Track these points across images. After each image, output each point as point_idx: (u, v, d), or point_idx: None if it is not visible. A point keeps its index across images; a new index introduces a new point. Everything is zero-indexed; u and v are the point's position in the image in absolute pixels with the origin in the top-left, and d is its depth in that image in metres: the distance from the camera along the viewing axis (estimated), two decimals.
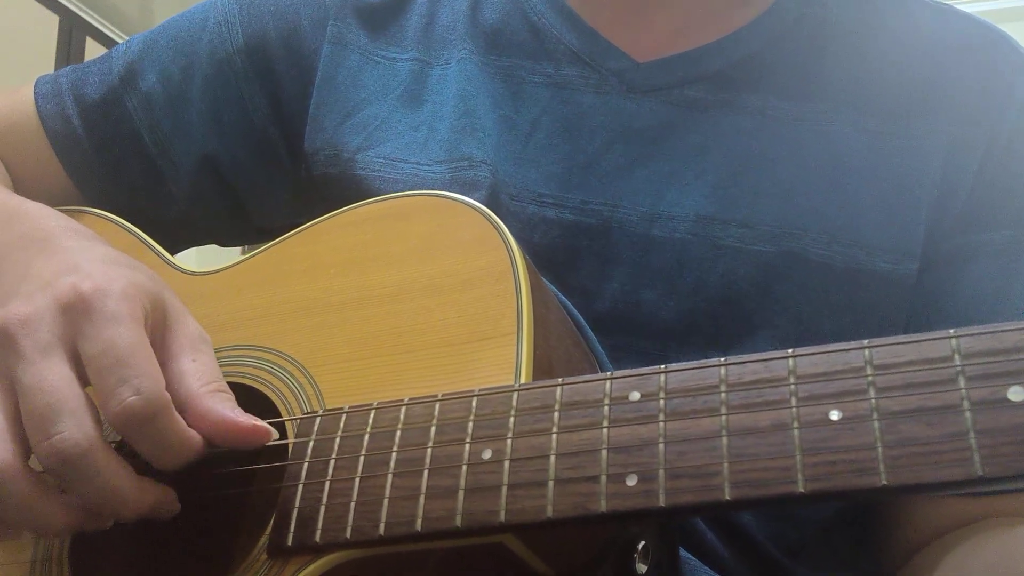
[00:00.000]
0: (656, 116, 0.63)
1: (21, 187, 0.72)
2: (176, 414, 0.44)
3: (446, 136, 0.64)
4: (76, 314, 0.45)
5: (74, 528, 0.45)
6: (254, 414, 0.50)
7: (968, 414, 0.33)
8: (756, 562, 0.57)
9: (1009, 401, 0.32)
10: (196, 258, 0.75)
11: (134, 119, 0.72)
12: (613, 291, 0.59)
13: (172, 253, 0.75)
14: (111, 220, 0.69)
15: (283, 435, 0.48)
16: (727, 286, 0.59)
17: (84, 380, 0.44)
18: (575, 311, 0.57)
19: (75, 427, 0.42)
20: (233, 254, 0.71)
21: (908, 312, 0.59)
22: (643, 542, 0.44)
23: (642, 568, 0.44)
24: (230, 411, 0.46)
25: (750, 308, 0.58)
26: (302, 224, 0.76)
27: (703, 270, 0.59)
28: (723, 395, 0.38)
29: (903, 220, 0.59)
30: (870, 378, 0.35)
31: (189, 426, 0.45)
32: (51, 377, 0.43)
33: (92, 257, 0.49)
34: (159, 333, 0.47)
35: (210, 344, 0.49)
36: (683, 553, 0.53)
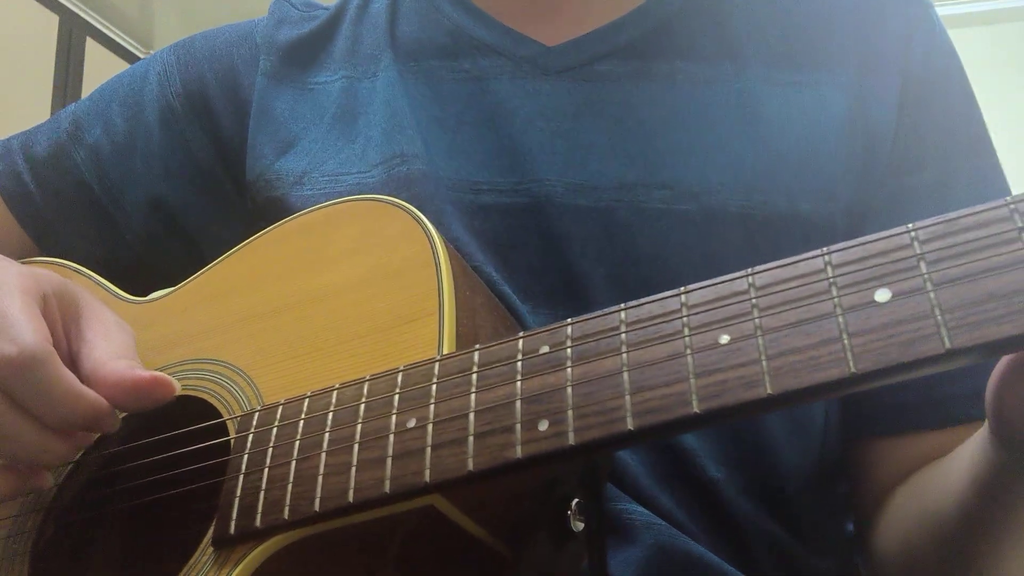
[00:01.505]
0: (571, 94, 0.65)
1: None
2: (62, 367, 0.46)
3: (379, 140, 0.67)
4: None
5: (13, 492, 0.47)
6: (200, 424, 0.52)
7: (840, 319, 0.35)
8: (719, 519, 0.58)
9: (876, 302, 0.34)
10: None
11: (83, 170, 0.75)
12: (554, 265, 0.61)
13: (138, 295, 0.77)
14: (64, 265, 0.71)
15: (225, 434, 0.50)
16: (655, 247, 0.60)
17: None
18: (512, 297, 0.59)
19: None
20: None
21: None
22: (576, 499, 0.45)
23: (578, 525, 0.45)
24: (133, 369, 0.48)
25: (679, 267, 0.60)
26: None
27: (630, 235, 0.61)
28: (623, 335, 0.39)
29: (820, 163, 0.62)
30: (753, 300, 0.37)
31: (98, 392, 0.47)
32: None
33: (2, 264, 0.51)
34: (71, 316, 0.50)
35: (130, 333, 0.51)
36: (639, 509, 0.54)
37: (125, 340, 0.49)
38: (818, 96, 0.63)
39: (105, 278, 0.70)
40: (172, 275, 0.80)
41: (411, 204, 0.62)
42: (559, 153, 0.64)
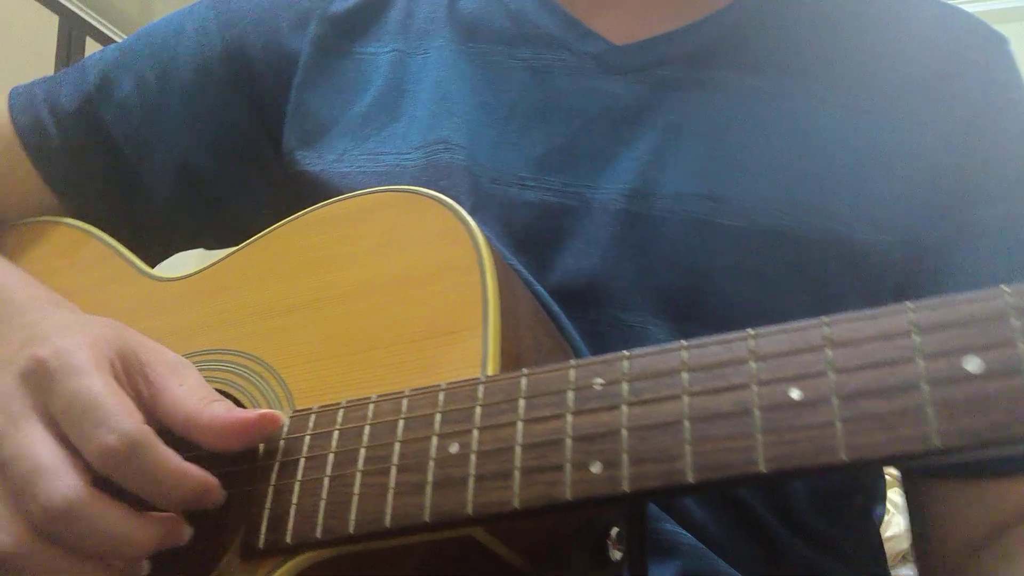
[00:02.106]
0: (632, 96, 0.63)
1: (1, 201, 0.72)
2: (162, 445, 0.43)
3: (424, 122, 0.64)
4: (39, 379, 0.44)
5: None
6: None
7: (925, 387, 0.33)
8: (751, 534, 0.57)
9: (964, 371, 0.32)
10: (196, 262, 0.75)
11: (110, 128, 0.72)
12: (594, 268, 0.59)
13: (157, 260, 0.75)
14: (85, 230, 0.69)
15: None
16: (704, 261, 0.59)
17: (63, 440, 0.44)
18: (548, 298, 0.57)
19: (58, 481, 0.42)
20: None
21: (914, 292, 0.59)
22: (616, 528, 0.44)
23: (616, 555, 0.44)
24: (235, 412, 0.45)
25: (726, 282, 0.58)
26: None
27: (679, 244, 0.59)
28: (685, 379, 0.37)
29: (877, 191, 0.60)
30: (829, 356, 0.35)
31: (197, 442, 0.45)
32: (26, 442, 0.43)
33: (51, 326, 0.48)
34: (137, 372, 0.47)
35: (191, 367, 0.48)
36: (671, 528, 0.53)
37: (196, 381, 0.47)
38: (881, 123, 0.61)
39: (127, 237, 0.68)
40: (195, 236, 0.78)
41: (446, 193, 0.60)
42: (613, 157, 0.61)
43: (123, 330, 0.49)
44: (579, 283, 0.59)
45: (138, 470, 0.43)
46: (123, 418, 0.42)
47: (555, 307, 0.58)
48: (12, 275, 0.58)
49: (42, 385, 0.44)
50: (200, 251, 0.79)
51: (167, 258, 0.78)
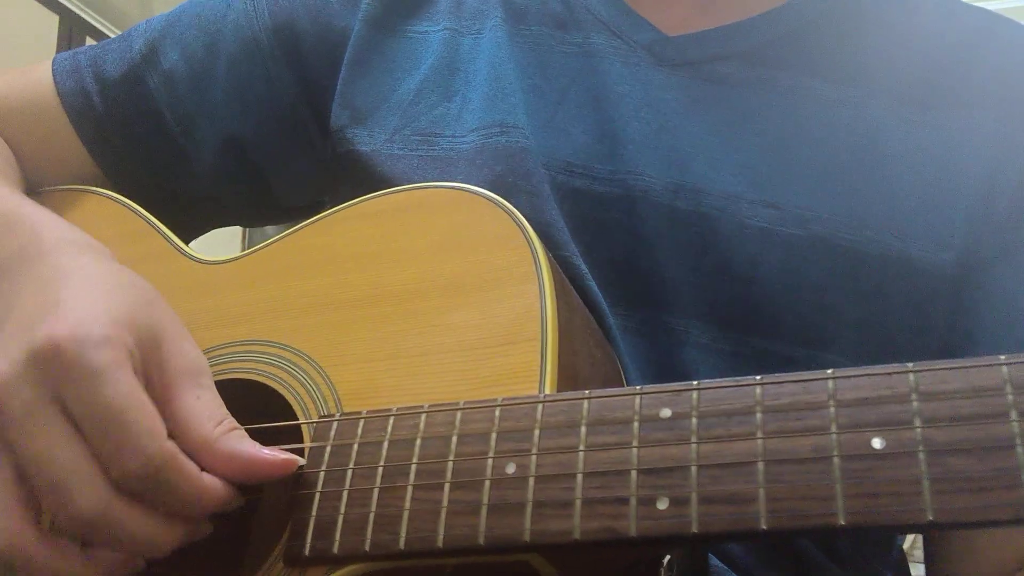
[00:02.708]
0: (685, 90, 0.61)
1: (35, 166, 0.70)
2: (186, 462, 0.42)
3: (479, 104, 0.63)
4: (54, 369, 0.42)
5: None
6: (267, 412, 0.49)
7: (1020, 449, 0.31)
8: (786, 563, 0.56)
9: None
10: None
11: (155, 97, 0.70)
12: (640, 265, 0.58)
13: (193, 236, 0.74)
14: (119, 201, 0.67)
15: (299, 436, 0.47)
16: (751, 266, 0.57)
17: (80, 431, 0.42)
18: (597, 292, 0.56)
19: (87, 492, 0.41)
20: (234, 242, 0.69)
21: (954, 309, 0.57)
22: (668, 557, 0.43)
23: None
24: (254, 449, 0.44)
25: (774, 291, 0.57)
26: (327, 203, 0.74)
27: (728, 249, 0.57)
28: (759, 417, 0.36)
29: (939, 209, 0.58)
30: (915, 406, 0.34)
31: (206, 466, 0.43)
32: (46, 443, 0.41)
33: (78, 284, 0.46)
34: (153, 363, 0.45)
35: (208, 373, 0.46)
36: (711, 562, 0.52)
37: (213, 396, 0.45)
38: (947, 139, 0.59)
39: (166, 207, 0.67)
40: (237, 213, 0.77)
41: (507, 179, 0.58)
42: (663, 149, 0.59)
43: (153, 305, 0.47)
44: (627, 278, 0.58)
45: (163, 489, 0.42)
46: (148, 439, 0.41)
47: (603, 303, 0.57)
48: (37, 210, 0.55)
49: (58, 378, 0.42)
50: (228, 235, 0.78)
51: (203, 233, 0.76)
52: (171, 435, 0.43)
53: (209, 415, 0.44)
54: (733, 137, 0.59)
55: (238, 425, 0.45)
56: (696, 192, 0.58)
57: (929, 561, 0.61)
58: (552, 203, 0.58)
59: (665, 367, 0.57)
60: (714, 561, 0.53)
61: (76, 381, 0.41)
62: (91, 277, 0.47)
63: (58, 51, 2.80)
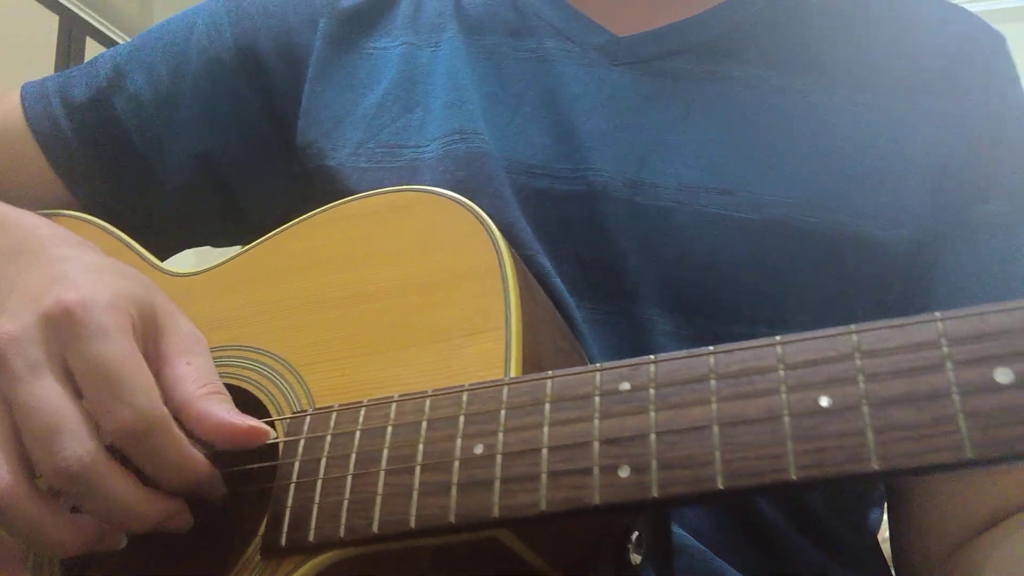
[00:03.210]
0: (638, 87, 0.63)
1: (6, 191, 0.71)
2: (176, 428, 0.44)
3: (439, 113, 0.65)
4: (63, 329, 0.44)
5: (87, 547, 0.44)
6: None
7: (956, 398, 0.33)
8: (755, 538, 0.57)
9: (996, 383, 0.33)
10: (194, 260, 0.74)
11: (122, 119, 0.72)
12: (604, 260, 0.60)
13: (165, 256, 0.75)
14: (92, 223, 0.68)
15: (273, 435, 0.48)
16: (711, 253, 0.59)
17: (78, 393, 0.44)
18: (563, 289, 0.58)
19: (76, 444, 0.42)
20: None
21: (910, 284, 0.59)
22: (636, 532, 0.44)
23: (636, 558, 0.44)
24: (226, 413, 0.45)
25: (734, 276, 0.59)
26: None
27: (688, 238, 0.59)
28: (713, 384, 0.38)
29: (891, 188, 0.60)
30: (858, 364, 0.35)
31: (186, 430, 0.44)
32: (46, 395, 0.43)
33: (79, 266, 0.48)
34: (151, 338, 0.47)
35: (204, 344, 0.48)
36: (675, 530, 0.53)
37: (204, 362, 0.47)
38: (896, 121, 0.61)
39: (137, 229, 0.68)
40: (207, 230, 0.78)
41: (470, 183, 0.60)
42: (619, 146, 0.61)
43: (150, 288, 0.49)
44: (593, 274, 0.60)
45: (149, 450, 0.43)
46: (143, 396, 0.43)
47: (568, 299, 0.58)
48: (33, 215, 0.57)
49: (65, 337, 0.44)
50: (203, 249, 0.80)
51: (177, 253, 0.77)
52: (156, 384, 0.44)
53: (195, 378, 0.45)
54: (688, 129, 0.61)
55: (223, 391, 0.46)
56: (654, 186, 0.60)
57: (893, 529, 0.63)
58: (513, 204, 0.60)
59: (634, 356, 0.58)
60: (689, 541, 0.54)
61: (81, 338, 0.43)
62: (90, 262, 0.49)
63: (58, 51, 2.81)
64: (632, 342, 0.58)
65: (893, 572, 0.64)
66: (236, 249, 0.61)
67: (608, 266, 0.60)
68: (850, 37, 0.64)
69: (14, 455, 0.43)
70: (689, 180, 0.60)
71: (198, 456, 0.44)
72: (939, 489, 0.60)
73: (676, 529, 0.54)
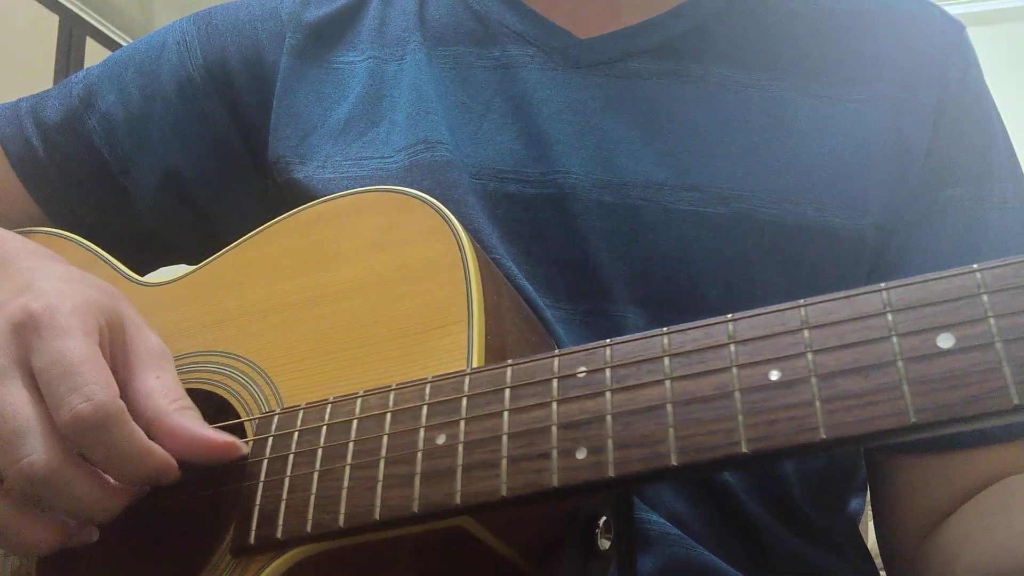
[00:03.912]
0: (601, 88, 0.64)
1: None
2: (132, 422, 0.44)
3: (404, 124, 0.65)
4: (27, 332, 0.45)
5: (59, 544, 0.45)
6: (214, 418, 0.51)
7: (900, 364, 0.33)
8: (736, 526, 0.57)
9: (938, 348, 0.33)
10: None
11: (94, 138, 0.72)
12: (576, 260, 0.60)
13: (143, 273, 0.75)
14: (65, 237, 0.69)
15: (242, 435, 0.48)
16: (680, 248, 0.60)
17: (43, 400, 0.44)
18: (532, 292, 0.58)
19: (40, 448, 0.42)
20: None
21: (881, 273, 0.60)
22: (604, 518, 0.45)
23: (605, 544, 0.45)
24: (200, 427, 0.46)
25: (703, 270, 0.59)
26: None
27: (656, 235, 0.60)
28: (666, 364, 0.38)
29: (852, 177, 0.61)
30: (806, 337, 0.36)
31: (155, 440, 0.45)
32: (9, 401, 0.43)
33: (46, 276, 0.49)
34: (119, 349, 0.47)
35: (171, 358, 0.49)
36: (656, 519, 0.54)
37: (172, 377, 0.48)
38: (853, 110, 0.62)
39: (112, 248, 0.68)
40: (181, 248, 0.78)
41: (434, 191, 0.60)
42: (586, 147, 0.62)
43: (117, 298, 0.50)
44: (567, 275, 0.60)
45: (105, 442, 0.43)
46: (99, 388, 0.43)
47: (539, 300, 0.59)
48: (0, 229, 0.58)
49: (29, 340, 0.44)
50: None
51: (153, 271, 0.78)
52: (128, 411, 0.44)
53: (164, 392, 0.46)
54: (651, 128, 0.62)
55: (192, 406, 0.46)
56: (621, 185, 0.61)
57: (876, 512, 0.63)
58: (478, 211, 0.61)
59: None
60: (671, 529, 0.55)
61: (43, 338, 0.44)
62: (56, 272, 0.50)
63: (58, 51, 2.82)
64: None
65: (877, 556, 0.65)
66: None
67: (581, 266, 0.60)
68: (805, 31, 0.65)
69: None
70: (655, 177, 0.61)
71: (155, 447, 0.44)
72: (917, 466, 0.60)
73: (658, 518, 0.55)
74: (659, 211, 0.60)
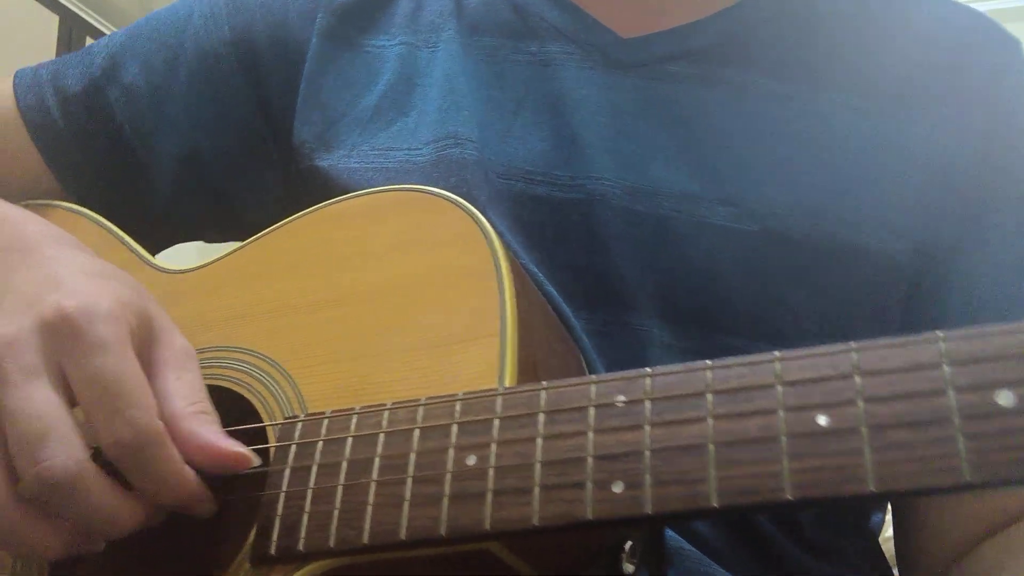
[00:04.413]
0: (639, 91, 0.62)
1: None
2: (171, 446, 0.43)
3: (433, 117, 0.64)
4: (62, 337, 0.43)
5: (66, 552, 0.44)
6: (234, 418, 0.50)
7: (956, 420, 0.33)
8: (750, 542, 0.57)
9: (997, 406, 0.32)
10: (196, 255, 0.74)
11: (115, 111, 0.71)
12: (600, 267, 0.59)
13: (157, 250, 0.74)
14: (83, 214, 0.68)
15: (264, 439, 0.48)
16: (709, 263, 0.58)
17: (71, 402, 0.43)
18: (558, 297, 0.57)
19: (63, 453, 0.41)
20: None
21: (918, 297, 0.59)
22: (630, 542, 0.44)
23: (630, 568, 0.44)
24: (213, 435, 0.45)
25: (732, 288, 0.58)
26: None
27: (686, 248, 0.59)
28: (709, 401, 0.37)
29: (892, 198, 0.59)
30: (858, 383, 0.35)
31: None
32: (37, 401, 0.42)
33: (75, 269, 0.47)
34: (145, 347, 0.46)
35: (195, 359, 0.48)
36: (669, 534, 0.53)
37: (194, 378, 0.46)
38: (897, 128, 0.60)
39: (127, 224, 0.67)
40: (199, 228, 0.77)
41: (460, 189, 0.59)
42: (620, 152, 0.61)
43: (145, 296, 0.49)
44: (587, 282, 0.59)
45: (144, 464, 0.43)
46: (141, 411, 0.42)
47: (564, 307, 0.58)
48: (16, 209, 0.56)
49: (64, 345, 0.43)
50: (201, 243, 0.79)
51: (168, 248, 0.77)
52: None
53: (184, 395, 0.45)
54: (688, 136, 0.61)
55: (210, 410, 0.45)
56: (653, 194, 0.59)
57: (897, 531, 0.62)
58: (503, 212, 0.59)
59: (629, 367, 0.57)
60: (685, 545, 0.54)
61: (82, 350, 0.43)
62: (83, 265, 0.48)
63: (58, 51, 2.79)
64: (629, 353, 0.57)
65: (896, 573, 0.64)
66: (231, 245, 0.61)
67: (604, 274, 0.59)
68: (850, 41, 0.63)
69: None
70: (690, 188, 0.59)
71: (190, 473, 0.44)
72: (942, 499, 0.59)
73: (672, 534, 0.54)
74: (690, 223, 0.59)
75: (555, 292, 0.58)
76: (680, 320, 0.58)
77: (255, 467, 0.45)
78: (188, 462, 0.44)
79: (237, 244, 0.59)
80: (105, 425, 0.42)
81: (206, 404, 0.46)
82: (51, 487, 0.41)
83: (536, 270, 0.58)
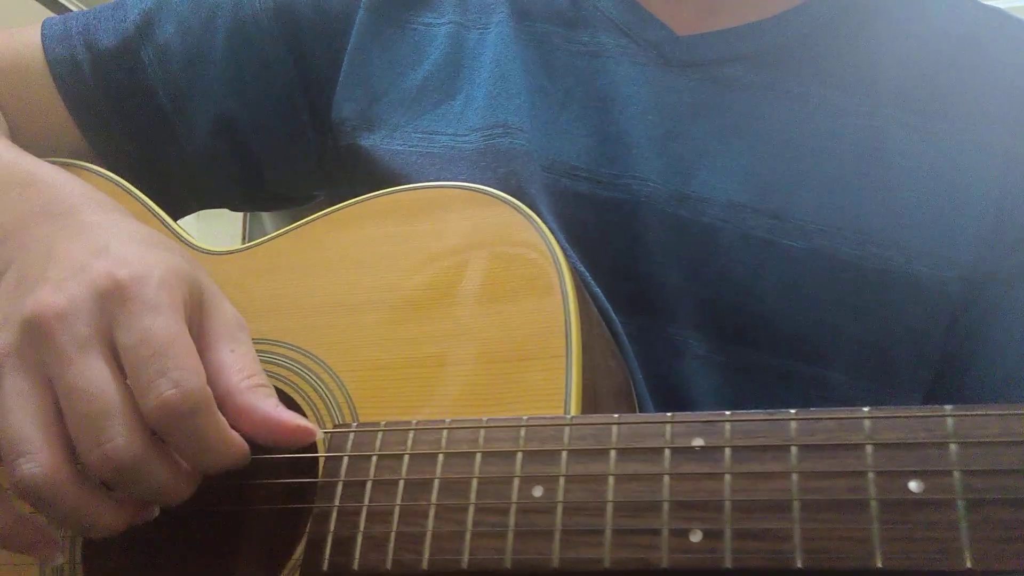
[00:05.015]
0: (692, 92, 0.60)
1: (19, 132, 0.68)
2: (217, 411, 0.42)
3: (482, 103, 0.62)
4: (113, 304, 0.42)
5: (123, 526, 0.43)
6: None
7: None
8: None
9: None
10: (195, 224, 0.71)
11: (149, 72, 0.68)
12: (640, 272, 0.58)
13: (179, 215, 0.72)
14: (115, 182, 0.65)
15: (312, 448, 0.46)
16: (752, 278, 0.57)
17: (123, 372, 0.42)
18: (603, 299, 0.56)
19: (126, 433, 0.40)
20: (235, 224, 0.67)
21: (958, 329, 0.57)
22: None
23: None
24: (272, 408, 0.43)
25: (774, 304, 0.57)
26: (320, 195, 0.72)
27: (729, 260, 0.57)
28: (794, 455, 0.36)
29: (945, 225, 0.58)
30: (954, 452, 0.34)
31: (229, 420, 0.42)
32: (94, 377, 0.41)
33: (123, 237, 0.46)
34: (195, 319, 0.45)
35: (247, 331, 0.46)
36: None
37: (248, 350, 0.45)
38: (955, 150, 0.58)
39: (152, 186, 0.65)
40: (224, 195, 0.75)
41: (508, 181, 0.57)
42: (669, 155, 0.59)
43: (196, 265, 0.47)
44: (628, 286, 0.58)
45: (189, 431, 0.41)
46: (188, 373, 0.41)
47: (608, 307, 0.56)
48: (62, 172, 0.54)
49: (115, 312, 0.42)
50: (228, 222, 0.76)
51: (190, 213, 0.75)
52: None
53: (239, 367, 0.43)
54: (740, 143, 0.59)
55: (267, 383, 0.44)
56: (700, 201, 0.58)
57: None
58: (549, 208, 0.58)
59: (663, 377, 0.57)
60: None
61: (132, 313, 0.41)
62: (129, 231, 0.47)
63: None
64: (663, 362, 0.56)
65: None
66: (269, 229, 0.59)
67: (644, 279, 0.58)
68: (913, 53, 0.61)
69: (56, 438, 0.41)
70: (738, 198, 0.58)
71: (236, 438, 0.42)
72: None
73: None
74: (736, 235, 0.57)
75: (600, 292, 0.57)
76: (719, 335, 0.57)
77: (316, 442, 0.44)
78: (247, 437, 0.43)
79: (277, 231, 0.57)
80: (149, 386, 0.40)
81: (262, 377, 0.44)
82: (116, 469, 0.40)
83: (583, 268, 0.57)
